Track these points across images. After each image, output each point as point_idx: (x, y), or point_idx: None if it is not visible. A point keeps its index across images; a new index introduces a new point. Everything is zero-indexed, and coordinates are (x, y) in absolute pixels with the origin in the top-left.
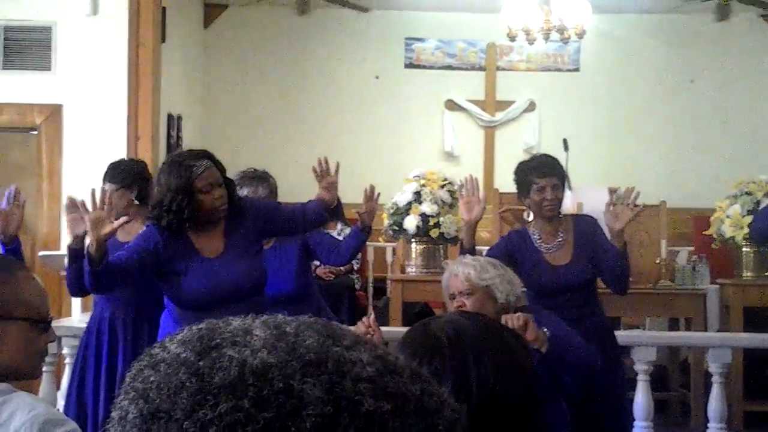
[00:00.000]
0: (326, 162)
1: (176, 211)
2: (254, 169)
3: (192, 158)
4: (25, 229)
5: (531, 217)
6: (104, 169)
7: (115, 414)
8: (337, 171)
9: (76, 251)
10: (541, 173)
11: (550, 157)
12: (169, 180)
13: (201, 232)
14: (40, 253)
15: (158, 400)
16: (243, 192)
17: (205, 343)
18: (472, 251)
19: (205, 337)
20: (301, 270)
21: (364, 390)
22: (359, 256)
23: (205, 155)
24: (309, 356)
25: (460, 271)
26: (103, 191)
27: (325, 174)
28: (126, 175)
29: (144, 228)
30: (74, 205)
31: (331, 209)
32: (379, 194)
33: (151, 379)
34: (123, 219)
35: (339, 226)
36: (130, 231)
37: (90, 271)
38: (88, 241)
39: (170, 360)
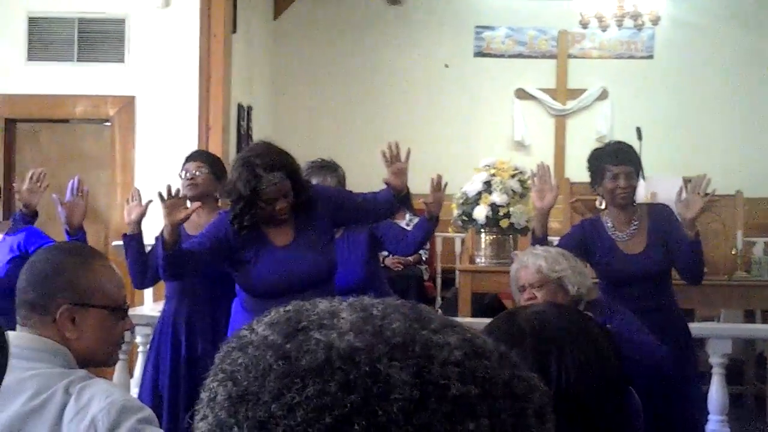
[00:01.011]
0: (397, 147)
1: (238, 214)
2: (322, 159)
3: (265, 168)
4: (98, 219)
5: (604, 205)
6: (176, 158)
7: (204, 395)
8: (407, 158)
9: (130, 237)
10: (616, 160)
11: (625, 144)
12: (238, 181)
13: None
14: (113, 243)
15: (246, 383)
16: (311, 182)
17: (292, 325)
18: (544, 240)
19: (292, 320)
20: (368, 260)
21: (452, 374)
22: (428, 246)
23: (280, 165)
24: (396, 339)
25: (531, 263)
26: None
27: (395, 159)
28: (219, 164)
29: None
30: (136, 197)
31: (401, 197)
32: (446, 184)
33: (239, 361)
34: (196, 205)
35: (408, 216)
36: (199, 224)
37: (163, 255)
38: (163, 226)
39: (258, 342)
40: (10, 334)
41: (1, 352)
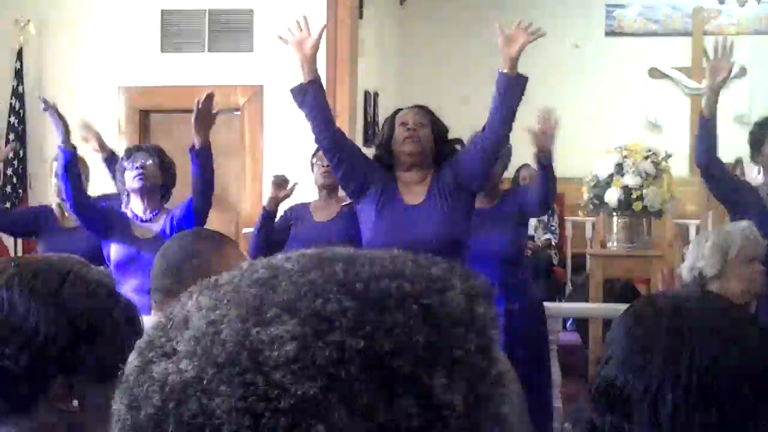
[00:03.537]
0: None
1: (377, 155)
2: None
3: (408, 109)
4: (228, 207)
5: (761, 174)
6: (304, 147)
7: None
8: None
9: (269, 212)
10: None
11: None
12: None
13: (409, 173)
14: (244, 230)
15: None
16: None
17: (145, 354)
18: (713, 122)
19: (152, 342)
20: (514, 238)
21: (284, 379)
22: (557, 230)
23: (425, 111)
24: (222, 356)
25: None
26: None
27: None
28: None
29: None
30: (280, 183)
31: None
32: (557, 120)
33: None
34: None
35: None
36: (328, 213)
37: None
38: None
39: (132, 376)
40: (145, 319)
41: (138, 338)
